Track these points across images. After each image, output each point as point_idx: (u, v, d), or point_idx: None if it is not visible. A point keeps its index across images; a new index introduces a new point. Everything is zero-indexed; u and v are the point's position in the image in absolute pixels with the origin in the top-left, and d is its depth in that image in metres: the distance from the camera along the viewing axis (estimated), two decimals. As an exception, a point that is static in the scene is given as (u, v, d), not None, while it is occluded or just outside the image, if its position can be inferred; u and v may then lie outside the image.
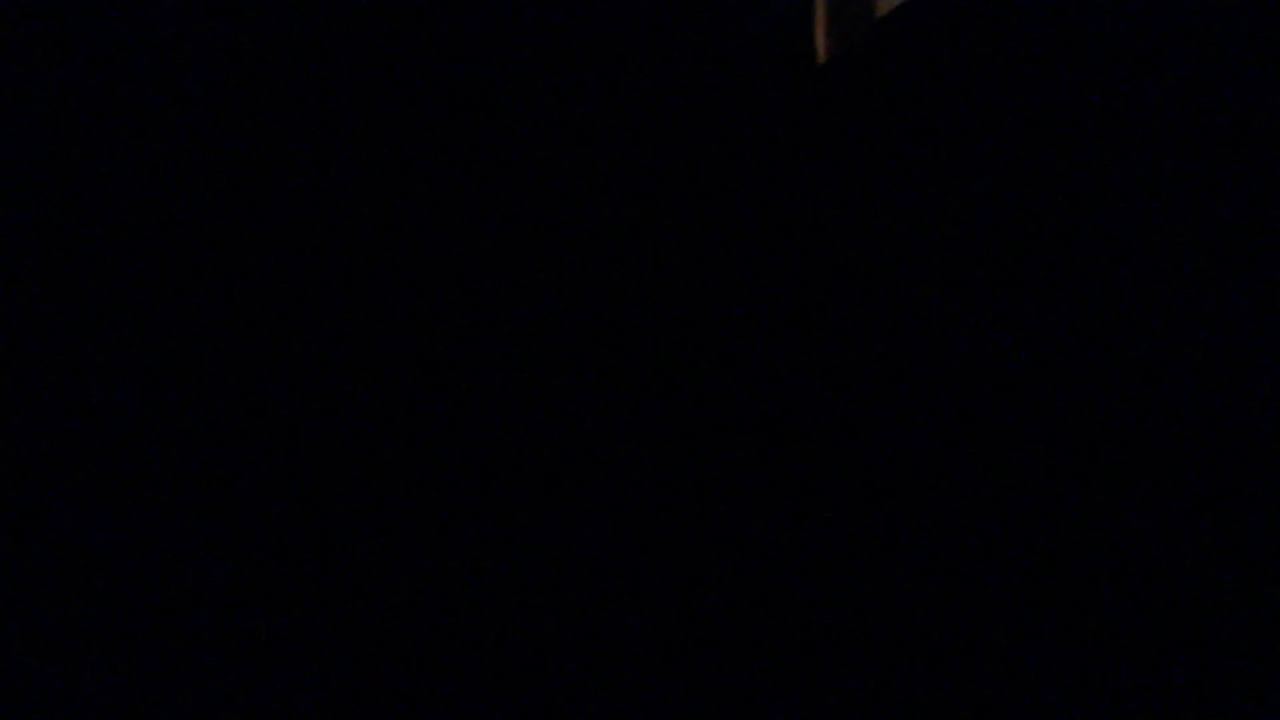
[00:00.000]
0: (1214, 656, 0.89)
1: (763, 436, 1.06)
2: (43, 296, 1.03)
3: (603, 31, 1.07)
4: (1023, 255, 1.00)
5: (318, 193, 1.08)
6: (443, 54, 1.06)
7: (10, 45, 1.00)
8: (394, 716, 1.02)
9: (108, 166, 1.05)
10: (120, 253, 1.05)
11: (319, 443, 1.06)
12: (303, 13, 1.04)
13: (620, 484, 1.06)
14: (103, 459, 1.04)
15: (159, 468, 1.05)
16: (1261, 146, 0.90)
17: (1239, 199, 0.91)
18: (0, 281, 1.02)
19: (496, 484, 1.07)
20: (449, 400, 1.08)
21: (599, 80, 1.08)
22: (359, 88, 1.07)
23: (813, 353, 1.05)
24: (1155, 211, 0.94)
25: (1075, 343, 0.97)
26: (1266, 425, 0.88)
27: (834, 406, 1.05)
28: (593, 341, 1.07)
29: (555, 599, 1.05)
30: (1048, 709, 0.94)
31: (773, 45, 1.06)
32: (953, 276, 1.02)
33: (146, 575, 1.04)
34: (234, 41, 1.05)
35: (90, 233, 1.04)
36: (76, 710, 1.01)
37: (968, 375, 1.00)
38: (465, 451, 1.08)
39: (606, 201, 1.09)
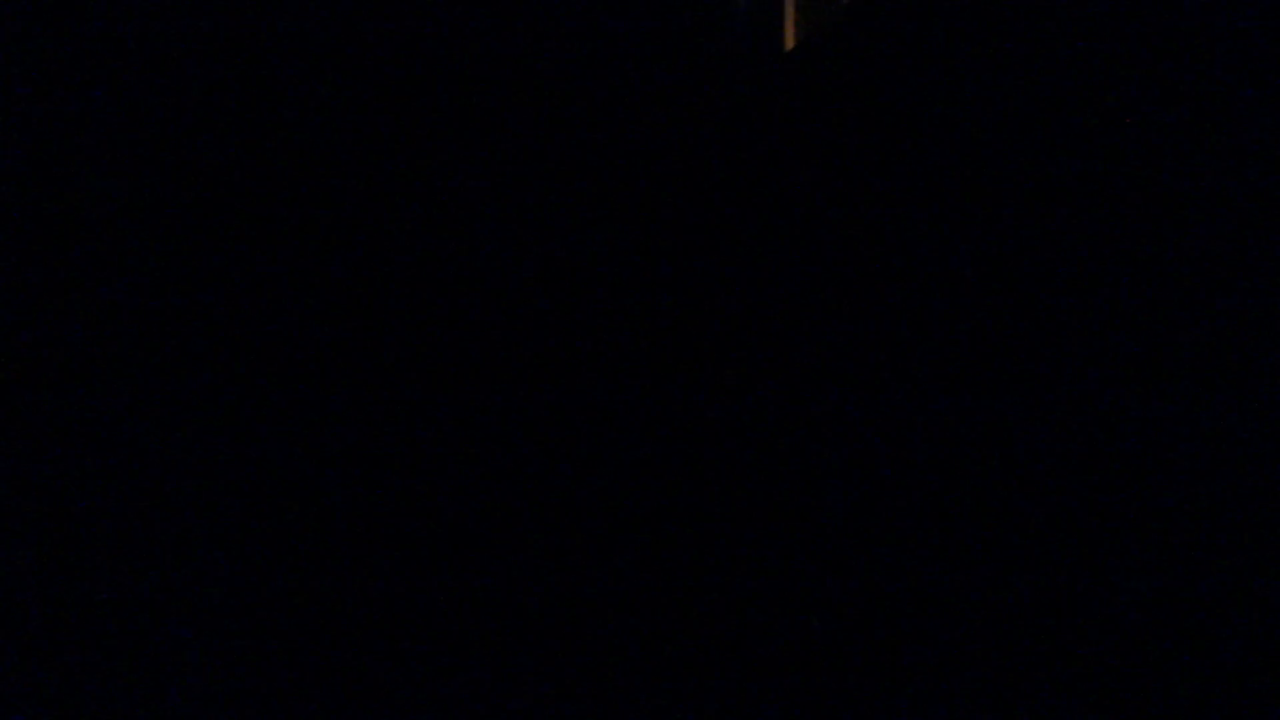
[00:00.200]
0: (1214, 656, 0.90)
1: (757, 434, 1.07)
2: (43, 296, 1.04)
3: (570, 17, 1.07)
4: (996, 238, 1.01)
5: (309, 193, 1.09)
6: (422, 49, 1.07)
7: (10, 46, 1.01)
8: (394, 716, 1.04)
9: (107, 166, 1.06)
10: (120, 252, 1.06)
11: (319, 443, 1.07)
12: (297, 14, 1.04)
13: (619, 484, 1.07)
14: (103, 459, 1.06)
15: (159, 467, 1.07)
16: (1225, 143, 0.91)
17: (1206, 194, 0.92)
18: (0, 281, 1.04)
19: (496, 484, 1.08)
20: (448, 400, 1.09)
21: (565, 67, 1.08)
22: (338, 86, 1.07)
23: (796, 341, 1.06)
24: (1138, 198, 0.95)
25: (1069, 338, 0.98)
26: (1266, 425, 0.89)
27: (821, 403, 1.06)
28: (582, 336, 1.08)
29: (555, 599, 1.06)
30: (1048, 709, 0.96)
31: (741, 30, 1.07)
32: (926, 261, 1.03)
33: (146, 575, 1.06)
34: (234, 41, 1.05)
35: (90, 232, 1.05)
36: (77, 710, 1.03)
37: (946, 365, 1.02)
38: (465, 451, 1.09)
39: (576, 190, 1.09)
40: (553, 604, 1.09)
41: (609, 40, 1.09)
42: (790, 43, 1.07)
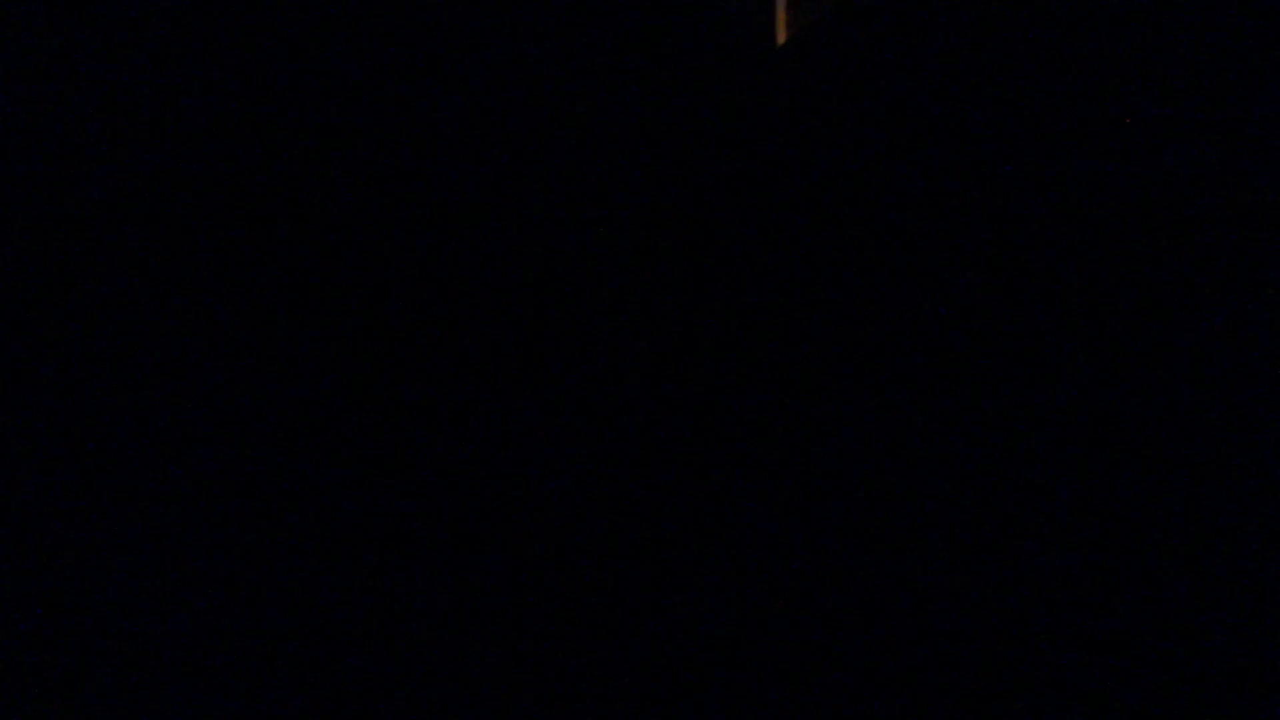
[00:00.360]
0: (1213, 657, 0.91)
1: (753, 432, 1.06)
2: (42, 296, 1.03)
3: (563, 13, 1.07)
4: (990, 233, 1.02)
5: (307, 194, 1.08)
6: (412, 49, 1.06)
7: (10, 45, 1.00)
8: (393, 716, 1.03)
9: (107, 166, 1.05)
10: (119, 252, 1.05)
11: (319, 443, 1.07)
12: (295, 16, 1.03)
13: (616, 485, 1.07)
14: (102, 459, 1.05)
15: (159, 468, 1.06)
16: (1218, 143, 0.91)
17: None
18: (0, 281, 1.02)
19: (496, 484, 1.07)
20: (447, 400, 1.09)
21: (558, 63, 1.08)
22: (334, 86, 1.07)
23: (786, 333, 1.05)
24: (1134, 190, 0.96)
25: (1067, 336, 0.98)
26: (1266, 426, 0.90)
27: (818, 400, 1.06)
28: (574, 334, 1.08)
29: (555, 599, 1.06)
30: (1047, 709, 0.96)
31: (733, 25, 1.07)
32: (919, 256, 1.03)
33: (145, 575, 1.05)
34: (233, 41, 1.04)
35: (90, 232, 1.04)
36: (76, 710, 1.01)
37: (943, 358, 1.01)
38: (465, 451, 1.08)
39: (573, 187, 1.09)
40: (553, 604, 1.08)
41: (597, 35, 1.08)
42: (782, 38, 1.07)
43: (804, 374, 1.07)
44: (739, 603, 1.06)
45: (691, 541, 1.08)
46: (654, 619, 1.07)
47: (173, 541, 1.06)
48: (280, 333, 1.08)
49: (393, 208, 1.10)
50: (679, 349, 1.09)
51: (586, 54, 1.08)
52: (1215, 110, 0.94)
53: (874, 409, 1.05)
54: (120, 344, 1.05)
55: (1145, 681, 0.95)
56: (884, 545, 1.04)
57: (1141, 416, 0.97)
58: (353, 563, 1.08)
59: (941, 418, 1.04)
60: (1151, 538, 0.96)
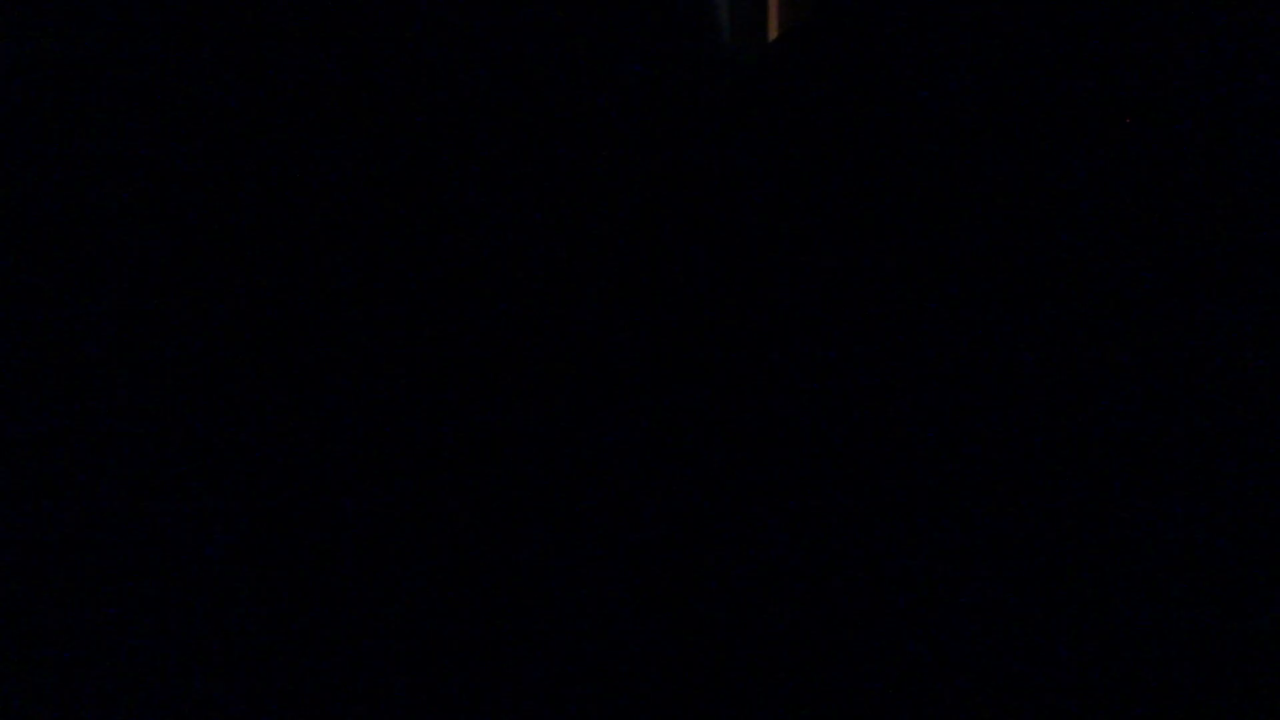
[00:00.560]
0: (1213, 657, 0.90)
1: (749, 431, 1.06)
2: (42, 296, 1.04)
3: (549, 7, 1.07)
4: (984, 228, 1.01)
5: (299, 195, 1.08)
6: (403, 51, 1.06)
7: (10, 45, 1.01)
8: (393, 716, 1.03)
9: (107, 165, 1.05)
10: (119, 252, 1.05)
11: (319, 443, 1.07)
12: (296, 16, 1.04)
13: (613, 485, 1.07)
14: (102, 459, 1.05)
15: (159, 467, 1.06)
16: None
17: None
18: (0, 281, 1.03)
19: (496, 484, 1.07)
20: (447, 400, 1.09)
21: (546, 59, 1.08)
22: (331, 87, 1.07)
23: (786, 332, 1.05)
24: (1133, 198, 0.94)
25: (1069, 338, 0.97)
26: (1265, 427, 0.89)
27: (816, 399, 1.05)
28: (564, 335, 1.08)
29: (554, 599, 1.06)
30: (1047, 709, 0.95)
31: (722, 19, 1.06)
32: (911, 252, 1.02)
33: (145, 575, 1.06)
34: (234, 40, 1.05)
35: (90, 232, 1.05)
36: (76, 710, 1.02)
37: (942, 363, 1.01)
38: (465, 452, 1.08)
39: (553, 183, 1.09)
40: (552, 604, 1.08)
41: (587, 31, 1.08)
42: (774, 32, 1.07)
43: (808, 372, 1.06)
44: (740, 602, 1.06)
45: (692, 541, 1.08)
46: (654, 619, 1.07)
47: (172, 541, 1.07)
48: (279, 332, 1.08)
49: (376, 210, 1.10)
50: (672, 349, 1.08)
51: (574, 47, 1.07)
52: (1215, 110, 0.93)
53: (869, 411, 1.05)
54: (120, 343, 1.06)
55: (1146, 681, 0.94)
56: (884, 545, 1.03)
57: (1141, 416, 0.96)
58: (352, 562, 1.09)
59: (933, 423, 1.04)
60: (1152, 538, 0.96)
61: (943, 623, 1.01)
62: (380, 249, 1.09)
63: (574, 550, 1.07)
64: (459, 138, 1.09)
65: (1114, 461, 0.97)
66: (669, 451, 1.08)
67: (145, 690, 1.03)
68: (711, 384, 1.08)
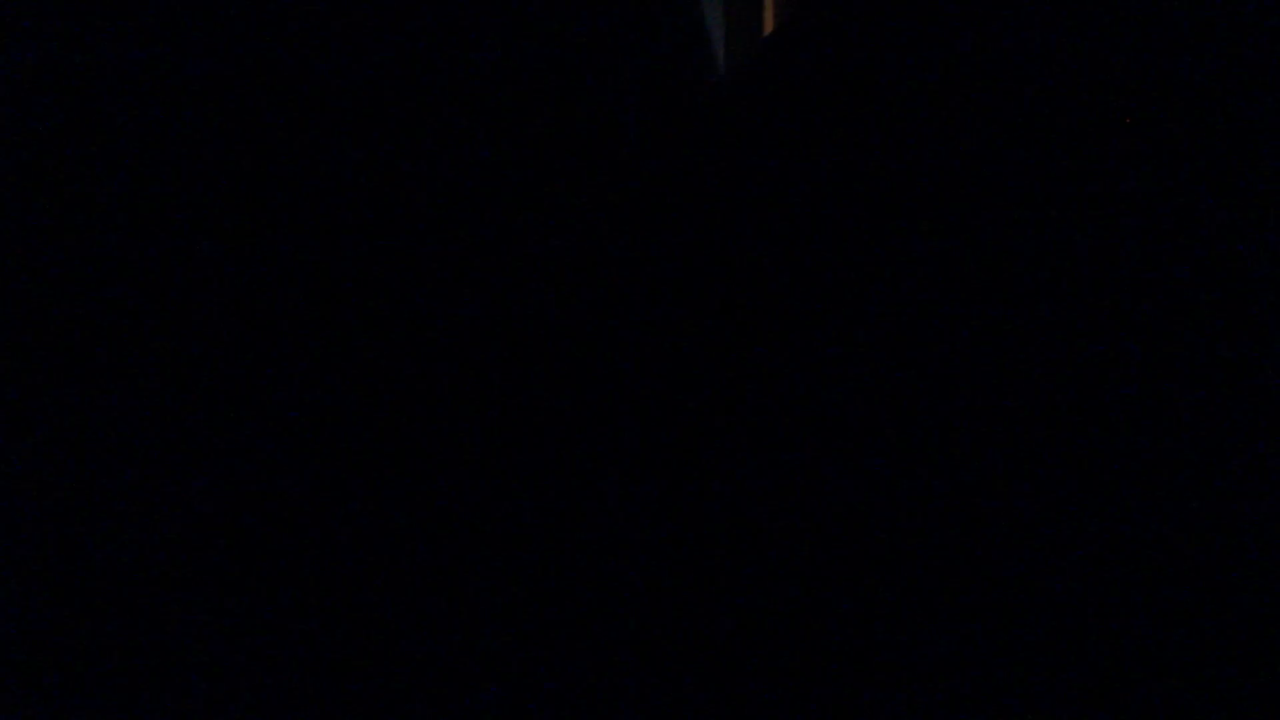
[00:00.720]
0: (1213, 657, 0.89)
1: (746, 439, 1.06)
2: (42, 296, 1.04)
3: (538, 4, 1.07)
4: (983, 224, 1.00)
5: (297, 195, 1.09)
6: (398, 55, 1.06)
7: (10, 45, 1.01)
8: (392, 716, 1.03)
9: (107, 165, 1.06)
10: (119, 251, 1.06)
11: (319, 443, 1.07)
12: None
13: (610, 485, 1.07)
14: (101, 459, 1.06)
15: (158, 467, 1.07)
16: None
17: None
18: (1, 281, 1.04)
19: (496, 484, 1.08)
20: (446, 400, 1.09)
21: (532, 52, 1.08)
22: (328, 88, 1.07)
23: (786, 329, 1.05)
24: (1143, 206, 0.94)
25: (1068, 340, 0.97)
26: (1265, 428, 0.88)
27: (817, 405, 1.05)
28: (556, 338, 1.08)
29: (555, 599, 1.06)
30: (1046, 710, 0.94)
31: (716, 13, 1.06)
32: (907, 251, 1.02)
33: (145, 575, 1.06)
34: (233, 40, 1.05)
35: (90, 232, 1.06)
36: (76, 710, 1.03)
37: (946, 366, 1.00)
38: (465, 452, 1.08)
39: (555, 187, 1.09)
40: (552, 604, 1.08)
41: (576, 28, 1.08)
42: (769, 26, 1.06)
43: (808, 371, 1.06)
44: (738, 603, 1.06)
45: (691, 541, 1.08)
46: (654, 619, 1.07)
47: (172, 541, 1.07)
48: (280, 332, 1.08)
49: (367, 212, 1.10)
50: (672, 350, 1.08)
51: (564, 48, 1.08)
52: (1216, 110, 0.92)
53: (858, 416, 1.04)
54: (119, 343, 1.07)
55: (1145, 682, 0.94)
56: (883, 545, 1.03)
57: (1141, 416, 0.95)
58: (353, 563, 1.09)
59: (924, 429, 1.03)
60: (1151, 538, 0.95)
61: (943, 622, 1.01)
62: (370, 251, 1.09)
63: (574, 550, 1.07)
64: (457, 135, 1.09)
65: (1114, 461, 0.96)
66: (662, 454, 1.08)
67: (145, 690, 1.04)
68: (710, 384, 1.08)
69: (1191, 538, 0.93)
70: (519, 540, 1.07)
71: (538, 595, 1.06)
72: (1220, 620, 0.91)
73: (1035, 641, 0.98)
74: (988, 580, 1.00)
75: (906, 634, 1.01)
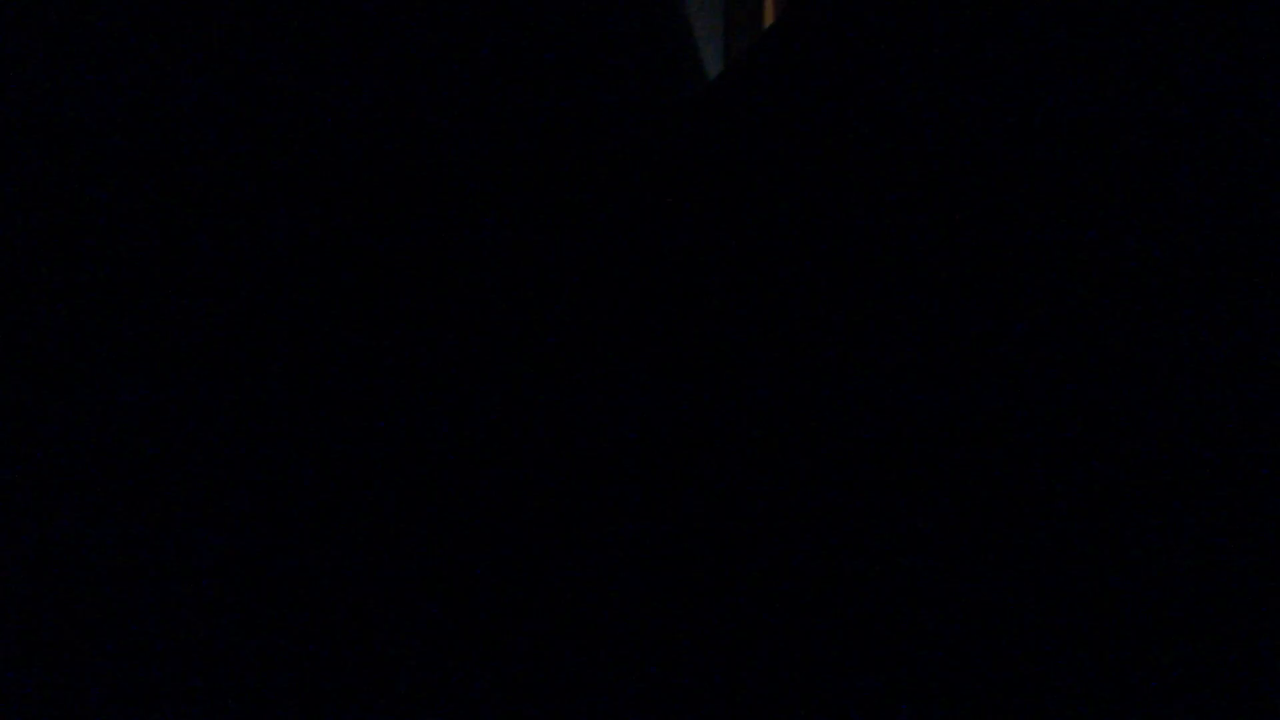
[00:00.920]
0: (1213, 657, 0.89)
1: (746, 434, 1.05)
2: (42, 296, 1.04)
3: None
4: (987, 232, 1.00)
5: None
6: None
7: (10, 45, 1.01)
8: (392, 716, 1.02)
9: (107, 165, 1.06)
10: (120, 251, 1.06)
11: (318, 443, 1.07)
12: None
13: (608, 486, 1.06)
14: (102, 459, 1.05)
15: (158, 467, 1.06)
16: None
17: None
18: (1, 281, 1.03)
19: (496, 484, 1.07)
20: (446, 401, 1.09)
21: (535, 44, 1.08)
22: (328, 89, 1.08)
23: (787, 342, 1.05)
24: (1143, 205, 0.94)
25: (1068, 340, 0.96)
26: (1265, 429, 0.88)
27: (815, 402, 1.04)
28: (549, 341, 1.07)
29: (555, 599, 1.05)
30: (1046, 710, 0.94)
31: (714, 5, 1.06)
32: (914, 256, 1.02)
33: (145, 576, 1.05)
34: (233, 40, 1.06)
35: (90, 232, 1.05)
36: (76, 710, 1.01)
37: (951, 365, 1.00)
38: (465, 453, 1.08)
39: (550, 187, 1.09)
40: (551, 604, 1.08)
41: (572, 23, 1.09)
42: (769, 18, 1.06)
43: (811, 368, 1.06)
44: (739, 603, 1.05)
45: (690, 541, 1.07)
46: (653, 619, 1.06)
47: (171, 540, 1.06)
48: (280, 332, 1.08)
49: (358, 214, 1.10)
50: (670, 349, 1.08)
51: (562, 42, 1.08)
52: (1214, 108, 0.93)
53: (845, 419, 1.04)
54: (119, 342, 1.06)
55: (1145, 682, 0.93)
56: (882, 545, 1.03)
57: (1140, 416, 0.95)
58: (352, 562, 1.08)
59: (925, 429, 1.03)
60: (1151, 537, 0.95)
61: (943, 622, 1.00)
62: (353, 251, 1.09)
63: (573, 550, 1.07)
64: (452, 132, 1.09)
65: (1114, 461, 0.96)
66: (653, 458, 1.07)
67: (145, 690, 1.02)
68: (710, 384, 1.07)
69: (1191, 537, 0.93)
70: (519, 540, 1.06)
71: (538, 595, 1.05)
72: (1220, 620, 0.90)
73: (1036, 641, 0.97)
74: (988, 579, 0.99)
75: (906, 633, 1.00)
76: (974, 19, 0.94)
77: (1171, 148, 0.93)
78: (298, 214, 1.05)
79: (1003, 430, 0.94)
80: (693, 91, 1.10)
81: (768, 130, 1.00)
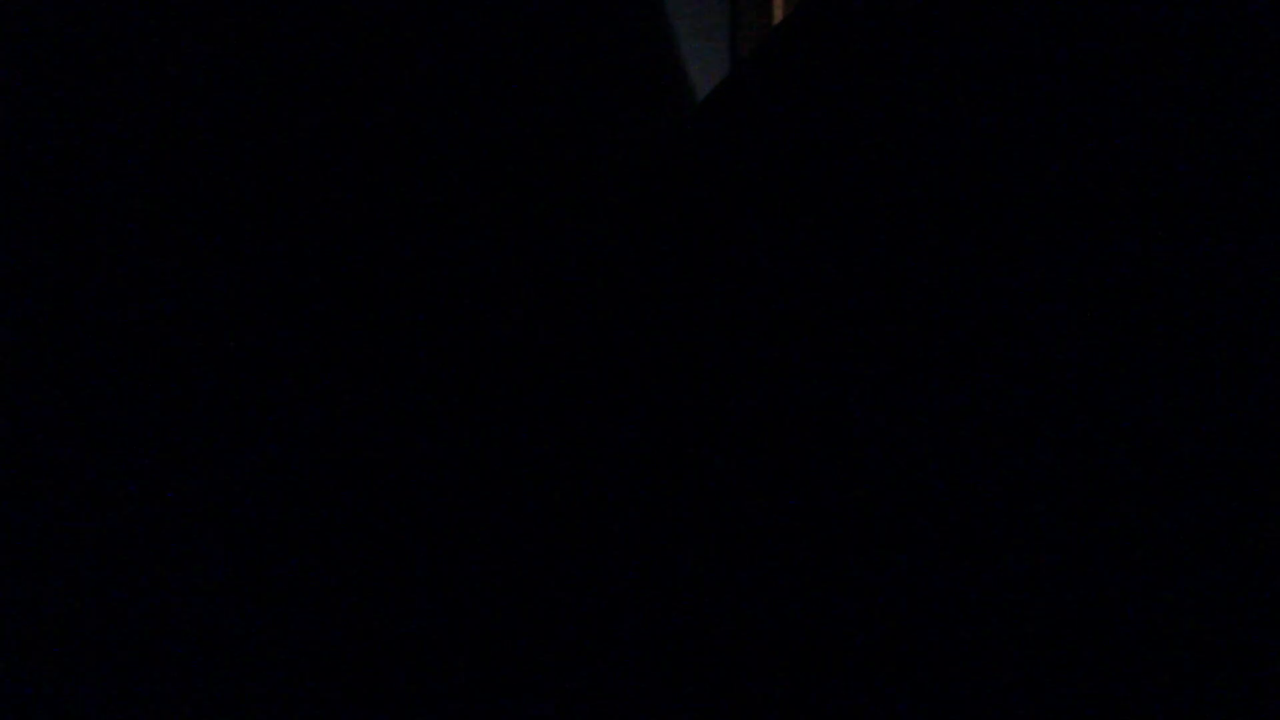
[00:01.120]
0: (1214, 657, 0.89)
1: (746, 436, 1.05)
2: (43, 297, 1.04)
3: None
4: (987, 232, 1.00)
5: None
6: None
7: (10, 44, 1.02)
8: (392, 716, 1.02)
9: (108, 165, 1.06)
10: (120, 251, 1.06)
11: (318, 443, 1.07)
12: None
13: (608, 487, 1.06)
14: (102, 459, 1.05)
15: (158, 467, 1.06)
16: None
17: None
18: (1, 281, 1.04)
19: (496, 484, 1.07)
20: (446, 400, 1.09)
21: (547, 41, 1.08)
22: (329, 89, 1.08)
23: (785, 348, 1.05)
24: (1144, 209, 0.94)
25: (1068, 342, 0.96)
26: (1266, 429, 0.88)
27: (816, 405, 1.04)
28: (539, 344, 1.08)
29: (555, 599, 1.05)
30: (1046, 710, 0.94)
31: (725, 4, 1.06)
32: (913, 256, 1.02)
33: (145, 575, 1.05)
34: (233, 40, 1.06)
35: (90, 232, 1.06)
36: (76, 710, 1.02)
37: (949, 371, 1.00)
38: (465, 453, 1.08)
39: (551, 180, 1.09)
40: (553, 604, 1.08)
41: (575, 22, 1.09)
42: (778, 16, 1.06)
43: (811, 369, 1.06)
44: (738, 603, 1.06)
45: (690, 540, 1.08)
46: (653, 619, 1.06)
47: (171, 540, 1.07)
48: (280, 332, 1.09)
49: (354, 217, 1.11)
50: (670, 350, 1.08)
51: (564, 42, 1.08)
52: (1214, 108, 0.93)
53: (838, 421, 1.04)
54: (118, 342, 1.07)
55: (1145, 682, 0.93)
56: (883, 545, 1.03)
57: (1141, 416, 0.95)
58: (352, 562, 1.09)
59: (915, 435, 1.03)
60: (1150, 537, 0.95)
61: (943, 622, 1.00)
62: (349, 252, 1.09)
63: (573, 549, 1.07)
64: (450, 130, 1.09)
65: (1115, 460, 0.96)
66: (647, 463, 1.07)
67: (145, 690, 1.03)
68: (711, 385, 1.08)
69: (1191, 538, 0.93)
70: (519, 539, 1.07)
71: (538, 594, 1.06)
72: (1220, 620, 0.91)
73: (1036, 640, 0.97)
74: (988, 579, 0.99)
75: (906, 634, 1.00)
76: (992, 13, 0.94)
77: (1172, 150, 0.93)
78: (295, 218, 1.05)
79: (1004, 430, 0.95)
80: (685, 105, 1.10)
81: (778, 129, 1.00)
